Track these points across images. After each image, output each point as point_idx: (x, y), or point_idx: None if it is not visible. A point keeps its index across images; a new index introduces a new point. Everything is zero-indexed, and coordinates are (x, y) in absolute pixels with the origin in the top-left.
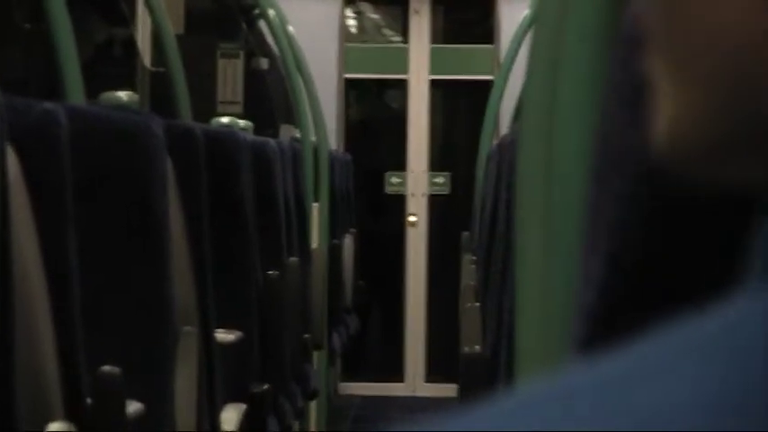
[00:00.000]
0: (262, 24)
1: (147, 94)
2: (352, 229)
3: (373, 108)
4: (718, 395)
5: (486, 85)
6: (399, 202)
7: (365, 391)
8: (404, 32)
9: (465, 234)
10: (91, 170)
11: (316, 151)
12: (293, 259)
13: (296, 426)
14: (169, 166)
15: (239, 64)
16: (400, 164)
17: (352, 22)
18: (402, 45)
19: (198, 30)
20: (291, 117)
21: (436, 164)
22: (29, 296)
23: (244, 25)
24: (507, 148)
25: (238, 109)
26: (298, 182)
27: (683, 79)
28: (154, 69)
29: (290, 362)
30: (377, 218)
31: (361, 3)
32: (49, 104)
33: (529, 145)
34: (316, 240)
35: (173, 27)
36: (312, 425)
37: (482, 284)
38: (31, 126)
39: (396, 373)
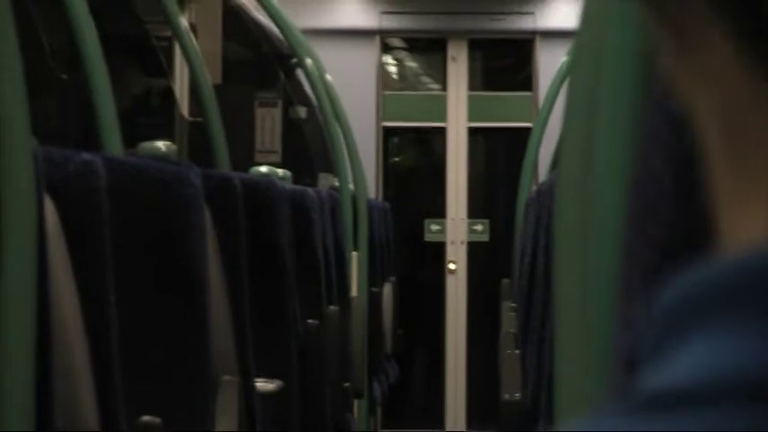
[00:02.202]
0: (299, 73)
1: (185, 143)
2: (392, 277)
3: (412, 156)
4: None
5: (525, 132)
6: (439, 249)
7: None
8: (442, 80)
9: (504, 281)
10: (129, 221)
11: (354, 200)
12: (333, 308)
13: None
14: (207, 215)
15: (277, 113)
16: (439, 211)
17: (390, 70)
18: (440, 93)
19: (236, 79)
20: (330, 166)
21: (475, 211)
22: (67, 347)
23: (281, 74)
24: (546, 195)
25: (277, 158)
26: (336, 230)
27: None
28: (192, 119)
29: (331, 411)
30: (416, 265)
31: (399, 51)
32: (86, 155)
33: (566, 192)
34: (355, 289)
35: (210, 77)
36: None
37: (522, 332)
38: (69, 177)
39: (436, 421)
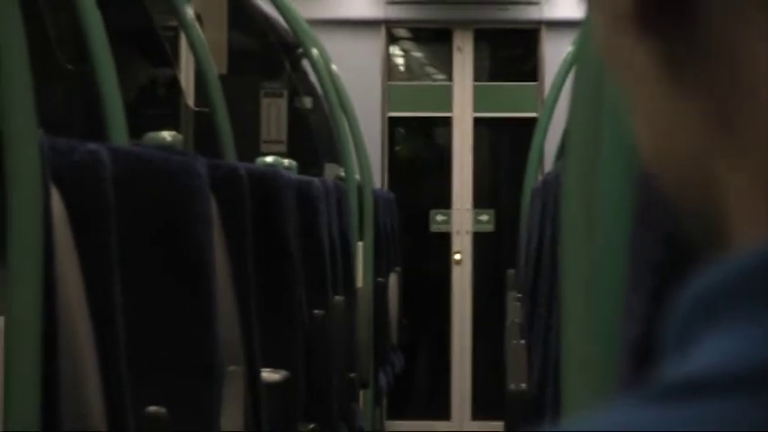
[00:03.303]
0: (305, 63)
1: (191, 134)
2: (397, 268)
3: (417, 146)
4: None
5: (531, 123)
6: (444, 239)
7: (411, 429)
8: (447, 70)
9: (510, 271)
10: (134, 211)
11: (360, 190)
12: (338, 298)
13: None
14: (213, 206)
15: (283, 103)
16: (445, 202)
17: (395, 61)
18: (446, 83)
19: (241, 69)
20: (335, 156)
21: (481, 201)
22: (73, 337)
23: (287, 64)
24: (552, 185)
25: (282, 148)
26: (342, 220)
27: None
28: (197, 109)
29: (337, 401)
30: (422, 256)
31: (405, 41)
32: (92, 145)
33: (572, 182)
34: (361, 279)
35: (216, 67)
36: None
37: (527, 322)
38: (75, 167)
39: (442, 411)
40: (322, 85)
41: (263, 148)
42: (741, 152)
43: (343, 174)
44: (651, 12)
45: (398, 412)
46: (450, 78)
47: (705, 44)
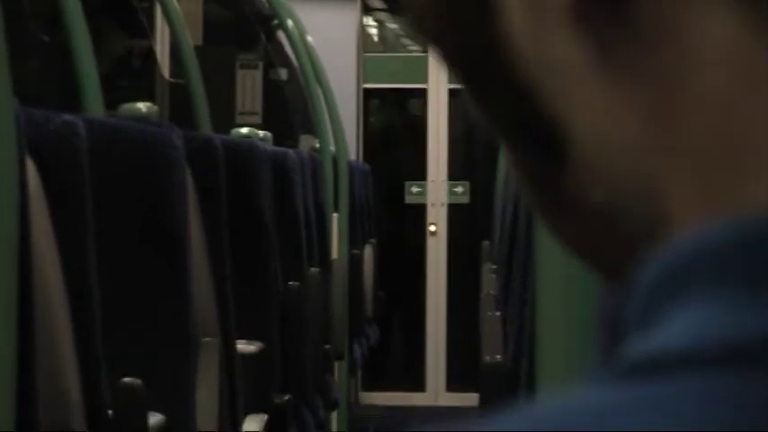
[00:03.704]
0: (280, 35)
1: (167, 105)
2: (372, 240)
3: (392, 118)
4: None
5: None
6: (419, 211)
7: (386, 401)
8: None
9: (485, 243)
10: (110, 182)
11: (335, 161)
12: (313, 270)
13: None
14: (188, 177)
15: (258, 75)
16: (420, 173)
17: (370, 32)
18: (421, 54)
19: (216, 41)
20: (311, 127)
21: (456, 173)
22: (49, 308)
23: (262, 36)
24: None
25: (257, 120)
26: (317, 192)
27: None
28: (173, 81)
29: (311, 372)
30: (397, 228)
31: (380, 12)
32: (67, 116)
33: None
34: (336, 251)
35: (191, 38)
36: None
37: (502, 293)
38: (51, 138)
39: (417, 383)
40: (297, 57)
41: (239, 119)
42: (683, 143)
43: (318, 145)
44: (589, 3)
45: (373, 384)
46: (425, 50)
47: (644, 32)
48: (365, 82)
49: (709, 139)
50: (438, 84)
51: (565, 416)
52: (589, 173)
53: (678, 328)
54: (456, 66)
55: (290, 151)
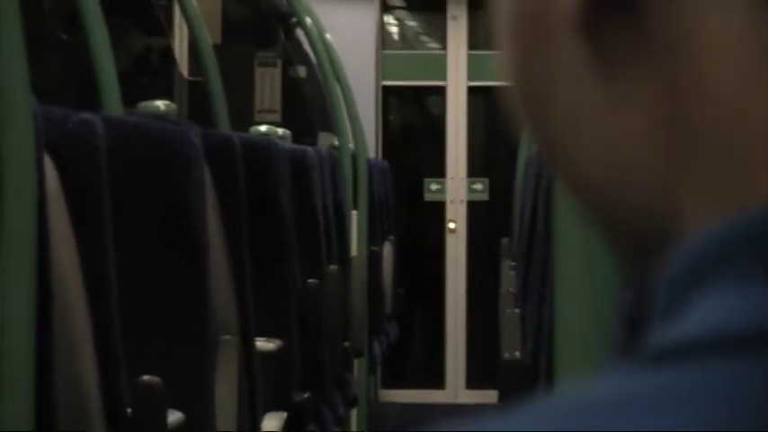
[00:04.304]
0: (299, 33)
1: (185, 103)
2: (392, 237)
3: (411, 115)
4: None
5: None
6: (438, 208)
7: (406, 399)
8: (442, 39)
9: (504, 240)
10: (128, 180)
11: (354, 159)
12: (333, 267)
13: None
14: (207, 175)
15: (277, 72)
16: (439, 171)
17: (390, 30)
18: (440, 52)
19: (235, 39)
20: (329, 125)
21: (475, 170)
22: (68, 306)
23: (281, 33)
24: None
25: (276, 117)
26: (336, 190)
27: None
28: (191, 79)
29: (331, 370)
30: (416, 225)
31: (399, 10)
32: (86, 115)
33: None
34: (355, 248)
35: (210, 36)
36: None
37: (521, 291)
38: (69, 136)
39: (436, 380)
40: (316, 55)
41: (257, 117)
42: (694, 144)
43: (337, 143)
44: (599, 10)
45: (393, 381)
46: (444, 47)
47: (654, 36)
48: (384, 79)
49: (721, 140)
50: (457, 81)
51: (596, 406)
52: (600, 177)
53: (701, 315)
54: None
55: (309, 149)
